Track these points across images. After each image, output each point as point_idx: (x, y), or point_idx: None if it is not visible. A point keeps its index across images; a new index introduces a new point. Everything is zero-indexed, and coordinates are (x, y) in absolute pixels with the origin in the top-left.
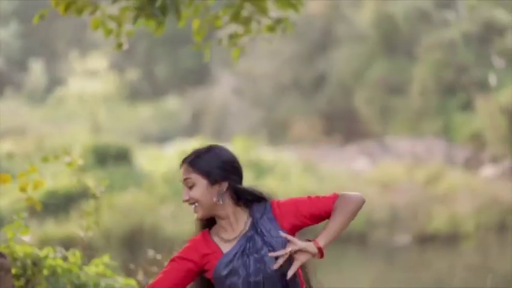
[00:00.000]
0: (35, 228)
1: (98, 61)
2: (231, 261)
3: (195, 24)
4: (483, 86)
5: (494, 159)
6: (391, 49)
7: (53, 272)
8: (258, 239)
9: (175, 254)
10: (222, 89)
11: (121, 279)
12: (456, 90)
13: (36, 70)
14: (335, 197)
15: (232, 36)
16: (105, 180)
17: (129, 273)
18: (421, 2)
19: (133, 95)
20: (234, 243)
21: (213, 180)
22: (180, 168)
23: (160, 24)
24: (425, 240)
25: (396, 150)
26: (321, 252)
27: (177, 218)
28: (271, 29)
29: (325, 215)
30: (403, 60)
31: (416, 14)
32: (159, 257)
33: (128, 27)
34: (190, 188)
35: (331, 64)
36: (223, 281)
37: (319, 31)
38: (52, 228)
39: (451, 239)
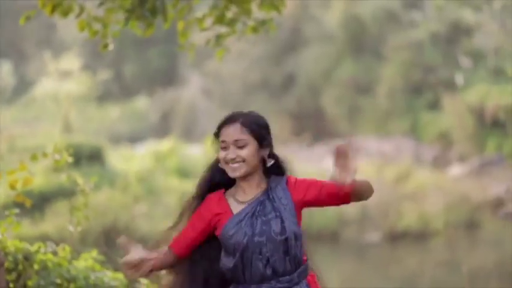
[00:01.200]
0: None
1: (71, 62)
2: (240, 221)
3: (180, 25)
4: (450, 86)
5: (462, 158)
6: (359, 49)
7: (44, 267)
8: (268, 204)
9: (193, 211)
10: (191, 90)
11: (109, 273)
12: (423, 90)
13: (4, 71)
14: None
15: (219, 37)
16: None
17: (115, 268)
18: (389, 2)
19: (103, 95)
20: (245, 205)
21: (262, 144)
22: (224, 127)
23: (149, 26)
24: (396, 237)
25: (364, 150)
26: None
27: (150, 216)
28: (255, 30)
29: (331, 199)
30: (371, 61)
31: (384, 14)
32: None
33: (113, 28)
34: (241, 147)
35: (299, 64)
36: (228, 240)
37: (288, 31)
38: (27, 227)
39: (420, 236)
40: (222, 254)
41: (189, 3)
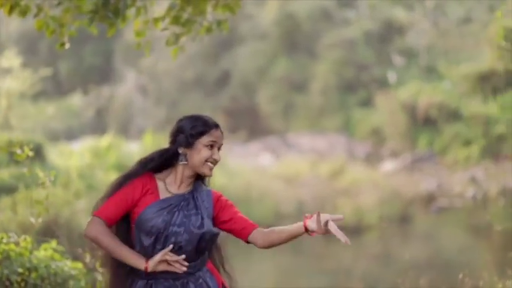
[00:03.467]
0: None
1: (11, 59)
2: (162, 208)
3: (136, 25)
4: (383, 83)
5: (394, 154)
6: (293, 47)
7: (7, 256)
8: (191, 201)
9: (123, 184)
10: (126, 87)
11: (69, 263)
12: (356, 88)
13: None
14: (255, 226)
15: (177, 36)
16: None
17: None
18: (323, 1)
19: (38, 93)
20: (172, 195)
21: None
22: (214, 129)
23: (111, 26)
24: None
25: (298, 146)
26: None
27: (90, 212)
28: (209, 29)
29: (235, 229)
30: (305, 58)
31: (318, 12)
32: None
33: (70, 28)
34: (219, 149)
35: (234, 62)
36: (147, 221)
37: None
38: None
39: (355, 230)
40: (141, 233)
41: (145, 3)
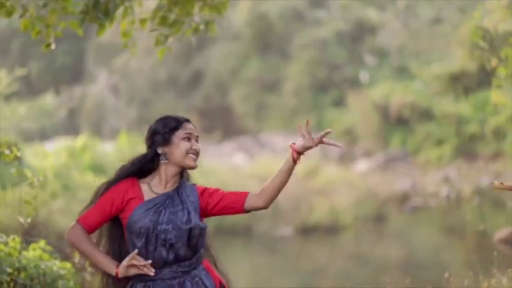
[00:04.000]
0: None
1: None
2: (148, 209)
3: (123, 25)
4: (355, 83)
5: (367, 154)
6: (265, 48)
7: None
8: (177, 198)
9: (106, 191)
10: (98, 87)
11: (58, 263)
12: (329, 88)
13: None
14: (246, 194)
15: (166, 37)
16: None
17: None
18: (295, 1)
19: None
20: (157, 195)
21: None
22: (186, 123)
23: (101, 27)
24: (307, 231)
25: (272, 146)
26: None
27: (67, 212)
28: (196, 30)
29: (229, 208)
30: (278, 59)
31: (290, 13)
32: None
33: (56, 29)
34: (197, 141)
35: (207, 62)
36: (135, 223)
37: None
38: None
39: (331, 230)
40: (132, 236)
41: (131, 4)
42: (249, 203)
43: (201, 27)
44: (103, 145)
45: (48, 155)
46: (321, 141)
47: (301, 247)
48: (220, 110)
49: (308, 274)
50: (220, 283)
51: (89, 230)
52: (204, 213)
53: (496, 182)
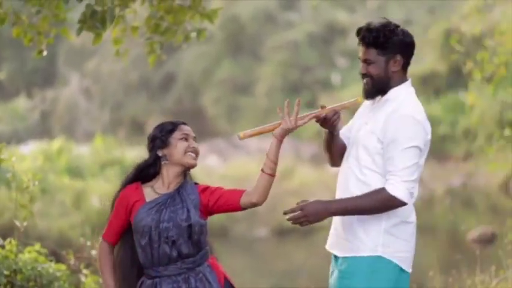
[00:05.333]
0: None
1: None
2: (150, 208)
3: (114, 33)
4: (327, 85)
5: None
6: (237, 49)
7: None
8: (177, 197)
9: (115, 201)
10: (71, 90)
11: (53, 265)
12: (301, 89)
13: None
14: (242, 191)
15: (161, 43)
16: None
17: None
18: (266, 3)
19: None
20: (159, 196)
21: None
22: (181, 125)
23: (98, 36)
24: (283, 232)
25: (245, 148)
26: None
27: (46, 215)
28: (187, 38)
29: (226, 205)
30: (250, 61)
31: (262, 15)
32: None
33: (47, 35)
34: (195, 141)
35: (179, 64)
36: (139, 223)
37: None
38: None
39: (307, 231)
40: (137, 235)
41: (123, 12)
42: (244, 199)
43: (193, 34)
44: (78, 148)
45: (24, 159)
46: (301, 123)
47: (278, 248)
48: (192, 112)
49: (284, 274)
50: (225, 278)
51: (113, 242)
52: (207, 210)
53: (241, 133)
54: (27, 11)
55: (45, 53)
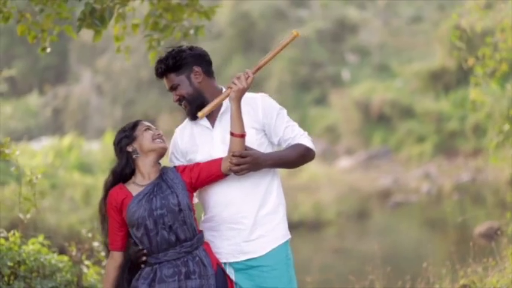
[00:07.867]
0: None
1: None
2: (140, 200)
3: (116, 30)
4: (337, 81)
5: (349, 152)
6: (248, 46)
7: None
8: (163, 184)
9: (104, 209)
10: (82, 86)
11: (56, 256)
12: (311, 86)
13: None
14: (220, 158)
15: (158, 42)
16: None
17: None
18: (276, 0)
19: None
20: (143, 188)
21: None
22: (141, 121)
23: (97, 33)
24: (291, 227)
25: None
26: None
27: (55, 210)
28: (186, 35)
29: (208, 176)
30: (260, 57)
31: (272, 12)
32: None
33: (50, 33)
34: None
35: None
36: (132, 217)
37: None
38: None
39: (314, 225)
40: (133, 229)
41: (124, 10)
42: (224, 165)
43: (191, 31)
44: (89, 144)
45: (35, 155)
46: (250, 80)
47: None
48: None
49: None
50: (217, 264)
51: (122, 249)
52: (192, 187)
53: (200, 113)
54: (30, 10)
55: (48, 50)
